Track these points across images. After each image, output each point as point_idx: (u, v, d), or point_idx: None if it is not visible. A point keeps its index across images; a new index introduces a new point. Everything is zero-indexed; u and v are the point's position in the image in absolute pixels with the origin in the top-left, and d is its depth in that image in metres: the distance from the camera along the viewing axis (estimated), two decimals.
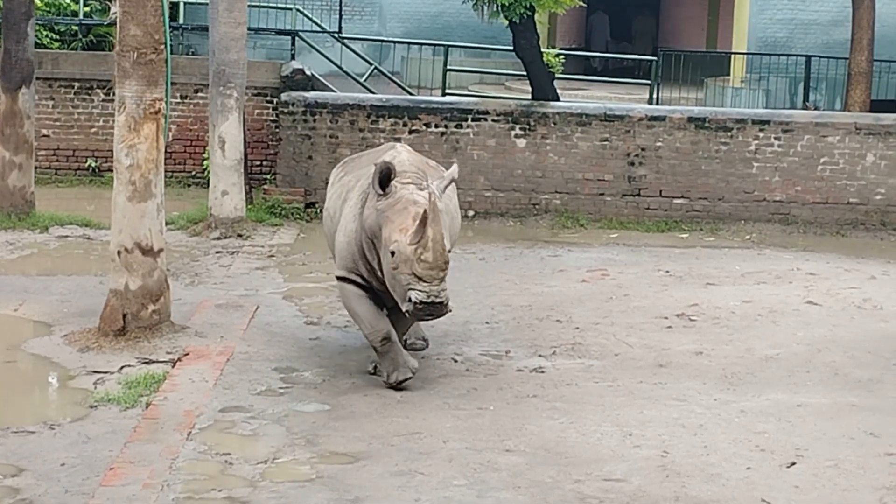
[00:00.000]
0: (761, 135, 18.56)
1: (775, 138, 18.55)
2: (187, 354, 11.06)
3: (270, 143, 19.34)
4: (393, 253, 9.88)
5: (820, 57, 25.24)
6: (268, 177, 18.97)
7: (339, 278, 10.70)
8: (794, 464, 8.92)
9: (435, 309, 9.84)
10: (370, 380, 10.61)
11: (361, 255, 10.41)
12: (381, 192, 10.05)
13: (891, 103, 23.05)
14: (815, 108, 24.18)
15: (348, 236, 10.49)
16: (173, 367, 10.74)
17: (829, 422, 9.82)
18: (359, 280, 10.51)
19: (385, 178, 10.03)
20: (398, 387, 10.25)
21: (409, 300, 9.79)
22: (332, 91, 19.48)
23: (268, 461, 8.75)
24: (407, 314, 9.96)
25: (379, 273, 10.26)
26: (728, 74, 28.10)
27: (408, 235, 9.83)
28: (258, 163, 19.27)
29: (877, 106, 21.18)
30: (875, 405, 10.30)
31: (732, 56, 28.18)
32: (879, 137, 18.56)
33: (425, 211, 9.80)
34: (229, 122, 16.73)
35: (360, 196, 10.49)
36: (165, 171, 11.99)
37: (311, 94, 18.72)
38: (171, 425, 9.31)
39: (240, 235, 16.49)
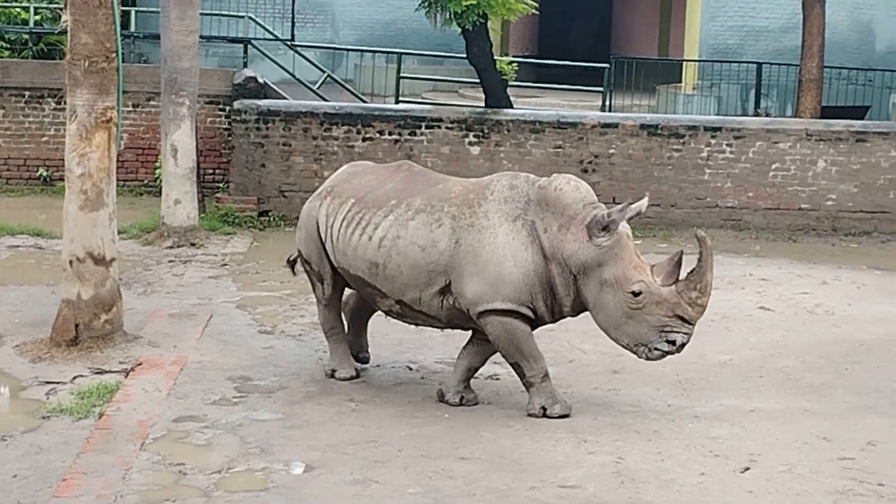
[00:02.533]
0: (713, 141, 18.65)
1: (727, 145, 18.65)
2: (140, 364, 11.01)
3: (223, 151, 19.28)
4: (636, 293, 9.58)
5: (771, 64, 25.41)
6: (221, 185, 18.91)
7: (503, 311, 9.88)
8: (747, 469, 8.96)
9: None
10: (324, 388, 10.58)
11: (547, 286, 9.84)
12: (607, 234, 9.67)
13: (841, 109, 23.21)
14: (767, 115, 24.32)
15: (523, 267, 9.79)
16: (126, 377, 10.68)
17: (782, 427, 9.87)
18: (528, 313, 9.95)
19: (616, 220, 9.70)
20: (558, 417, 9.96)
21: (672, 342, 9.61)
22: (285, 99, 19.44)
23: (222, 471, 8.71)
24: (648, 355, 9.72)
25: (565, 307, 9.92)
26: (680, 81, 28.26)
27: (662, 276, 9.64)
28: (211, 171, 19.20)
29: (827, 112, 21.33)
30: (827, 410, 10.36)
31: (684, 63, 28.35)
32: (830, 143, 18.68)
33: (681, 252, 9.76)
34: (181, 130, 16.67)
35: (513, 222, 9.89)
36: (117, 180, 11.93)
37: (263, 102, 18.68)
38: (124, 435, 9.26)
39: (193, 244, 16.42)
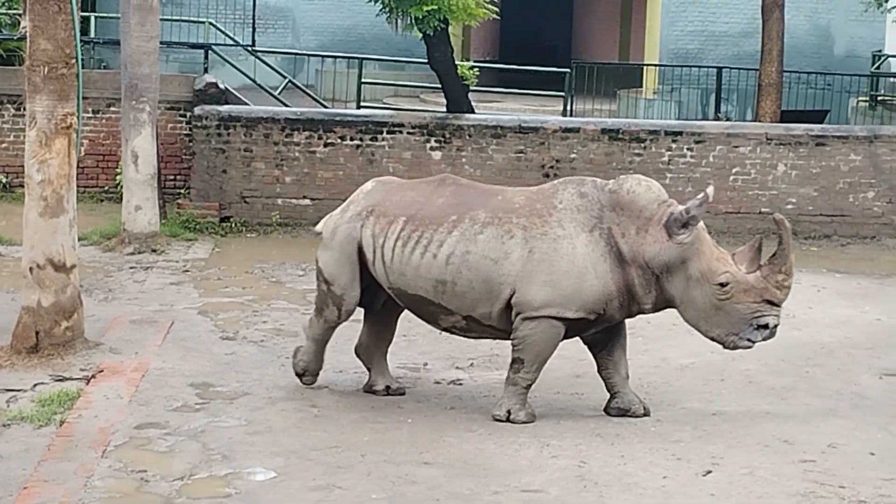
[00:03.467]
0: (674, 146, 18.72)
1: (688, 149, 18.72)
2: (101, 371, 10.96)
3: (184, 157, 19.22)
4: (724, 284, 9.71)
5: (731, 68, 25.52)
6: (182, 191, 18.84)
7: (564, 319, 9.91)
8: (709, 472, 8.99)
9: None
10: (287, 394, 10.56)
11: (624, 290, 9.85)
12: (687, 230, 9.76)
13: (800, 113, 23.33)
14: (727, 119, 24.44)
15: (603, 278, 9.78)
16: (87, 384, 10.64)
17: (744, 430, 9.91)
18: (593, 318, 9.99)
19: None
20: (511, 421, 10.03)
21: (766, 326, 9.81)
22: (246, 105, 19.39)
23: (184, 478, 8.68)
24: (739, 344, 9.92)
25: (645, 305, 9.96)
26: (641, 86, 28.35)
27: (746, 264, 9.82)
28: (172, 177, 19.13)
29: (787, 116, 21.42)
30: (789, 412, 10.42)
31: (645, 68, 28.44)
32: (790, 147, 18.77)
33: (761, 238, 10.00)
34: (142, 136, 16.61)
35: (590, 233, 9.87)
36: (78, 187, 11.89)
37: (224, 108, 18.63)
38: (85, 443, 9.22)
39: (154, 250, 16.36)
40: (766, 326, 9.83)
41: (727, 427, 9.96)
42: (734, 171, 18.62)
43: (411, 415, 10.13)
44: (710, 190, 9.93)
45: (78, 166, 11.82)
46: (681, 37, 29.13)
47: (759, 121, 20.66)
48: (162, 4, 17.04)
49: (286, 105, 20.54)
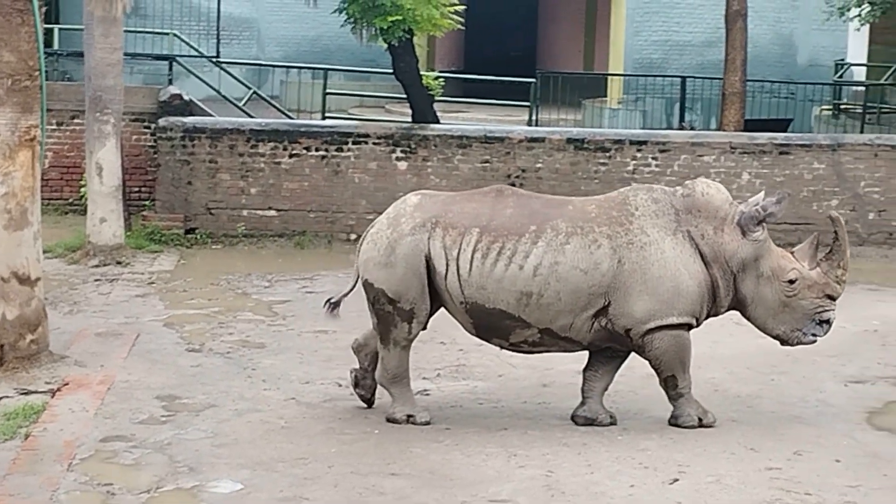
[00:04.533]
0: (639, 155, 18.77)
1: (653, 158, 18.77)
2: (67, 384, 10.92)
3: (149, 168, 19.16)
4: (792, 280, 10.04)
5: (695, 77, 25.61)
6: (147, 203, 18.77)
7: (676, 326, 10.03)
8: (676, 480, 9.01)
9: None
10: (253, 406, 10.54)
11: (710, 292, 10.07)
12: (761, 228, 10.05)
13: (764, 122, 23.44)
14: (691, 128, 24.53)
15: (696, 278, 9.97)
16: (52, 397, 10.59)
17: (710, 438, 9.94)
18: (695, 324, 10.16)
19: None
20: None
21: (827, 321, 10.18)
22: (211, 116, 19.35)
23: (151, 490, 8.65)
24: (802, 339, 10.24)
25: (721, 308, 10.20)
26: (605, 95, 28.43)
27: (807, 260, 10.15)
28: (136, 189, 19.07)
29: (751, 125, 21.52)
30: (754, 420, 10.45)
31: (609, 77, 28.53)
32: (754, 156, 18.85)
33: (818, 235, 10.35)
34: (106, 148, 16.56)
35: (674, 235, 10.00)
36: (42, 199, 11.84)
37: (189, 120, 18.59)
38: (51, 456, 9.17)
39: (119, 263, 16.31)
40: (827, 321, 10.20)
41: (693, 435, 9.99)
42: (698, 179, 18.66)
43: (378, 425, 10.12)
44: (787, 192, 10.37)
45: (42, 179, 11.77)
46: (645, 46, 29.22)
47: (724, 130, 20.75)
48: (126, 16, 16.96)
49: (251, 116, 20.50)
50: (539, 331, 10.05)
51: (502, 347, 10.41)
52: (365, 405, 10.57)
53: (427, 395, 10.99)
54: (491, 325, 10.11)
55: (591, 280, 9.88)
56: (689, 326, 10.11)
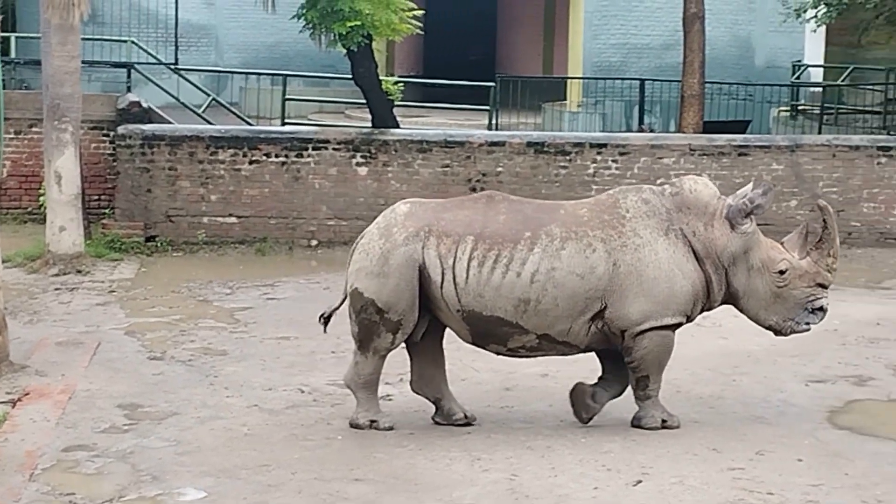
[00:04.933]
0: (599, 158, 18.82)
1: (613, 161, 18.83)
2: (28, 394, 10.86)
3: (108, 176, 19.08)
4: (783, 271, 10.13)
5: (653, 80, 25.68)
6: (106, 211, 18.70)
7: (668, 327, 10.07)
8: (640, 482, 9.04)
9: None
10: (216, 413, 10.51)
11: (705, 289, 10.13)
12: (750, 220, 10.12)
13: (723, 124, 23.53)
14: (651, 131, 24.59)
15: (690, 278, 10.02)
16: (13, 407, 10.53)
17: (673, 439, 9.96)
18: (685, 322, 10.22)
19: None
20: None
21: (821, 309, 10.25)
22: (170, 123, 19.29)
23: (113, 500, 8.62)
24: (796, 329, 10.32)
25: (715, 303, 10.28)
26: (565, 99, 28.48)
27: (797, 250, 10.22)
28: (96, 197, 18.99)
29: (710, 127, 21.61)
30: (717, 421, 10.49)
31: (568, 81, 28.56)
32: (713, 158, 18.93)
33: (807, 224, 10.37)
34: (65, 156, 16.49)
35: (666, 236, 10.01)
36: (0, 208, 11.77)
37: (148, 127, 18.53)
38: (12, 466, 9.12)
39: (79, 271, 16.24)
40: (821, 309, 10.28)
41: (656, 437, 10.02)
42: (658, 182, 18.71)
43: (341, 431, 10.11)
44: (773, 184, 10.46)
45: (0, 188, 11.70)
46: (603, 50, 29.28)
47: (683, 132, 20.83)
48: (83, 24, 16.90)
49: (210, 123, 20.44)
50: (537, 336, 10.06)
51: (499, 353, 10.39)
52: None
53: (390, 400, 10.98)
54: (488, 332, 10.09)
55: (588, 284, 9.89)
56: (677, 326, 10.18)
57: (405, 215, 10.17)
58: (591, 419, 10.33)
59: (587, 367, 11.77)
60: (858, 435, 10.26)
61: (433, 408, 10.39)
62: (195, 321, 13.89)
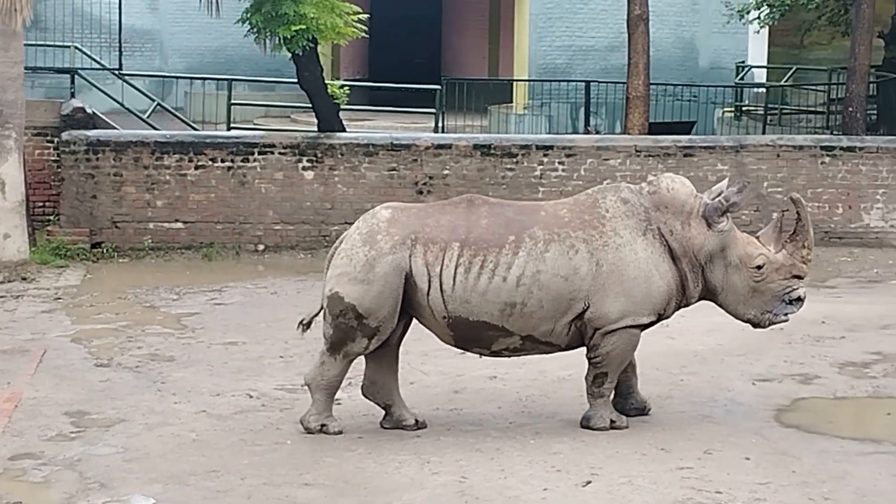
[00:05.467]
0: (545, 160, 18.87)
1: (559, 163, 18.88)
2: None
3: (52, 183, 18.94)
4: (760, 266, 10.21)
5: (599, 82, 25.76)
6: (51, 218, 18.57)
7: (639, 326, 10.15)
8: (589, 482, 9.06)
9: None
10: (164, 420, 10.46)
11: (680, 287, 10.21)
12: (725, 218, 10.20)
13: (668, 125, 23.63)
14: (597, 132, 24.65)
15: (666, 278, 10.10)
16: None
17: (622, 439, 10.00)
18: (656, 321, 10.31)
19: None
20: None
21: (796, 299, 10.31)
22: (115, 129, 19.19)
23: None
24: (774, 320, 10.42)
25: (692, 299, 10.34)
26: (511, 101, 28.52)
27: (772, 244, 10.32)
28: (41, 204, 18.85)
29: (655, 128, 21.69)
30: (665, 421, 10.53)
31: (514, 83, 28.61)
32: (659, 159, 19.02)
33: (781, 217, 10.49)
34: (9, 163, 16.38)
35: (644, 236, 10.08)
36: None
37: (92, 133, 18.42)
38: None
39: (24, 279, 16.13)
40: (798, 299, 10.37)
41: (605, 437, 10.05)
42: (605, 183, 18.76)
43: (290, 436, 10.08)
44: (748, 180, 10.67)
45: None
46: (549, 52, 29.35)
47: (628, 133, 20.89)
48: (25, 29, 16.80)
49: (155, 128, 20.35)
50: (521, 338, 10.12)
51: (482, 355, 10.46)
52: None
53: (339, 404, 10.95)
54: (474, 336, 10.12)
55: (572, 286, 9.95)
56: (648, 325, 10.28)
57: (388, 221, 10.12)
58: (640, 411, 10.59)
59: (535, 369, 11.82)
60: (805, 433, 10.32)
61: (381, 412, 10.37)
62: (142, 327, 13.83)
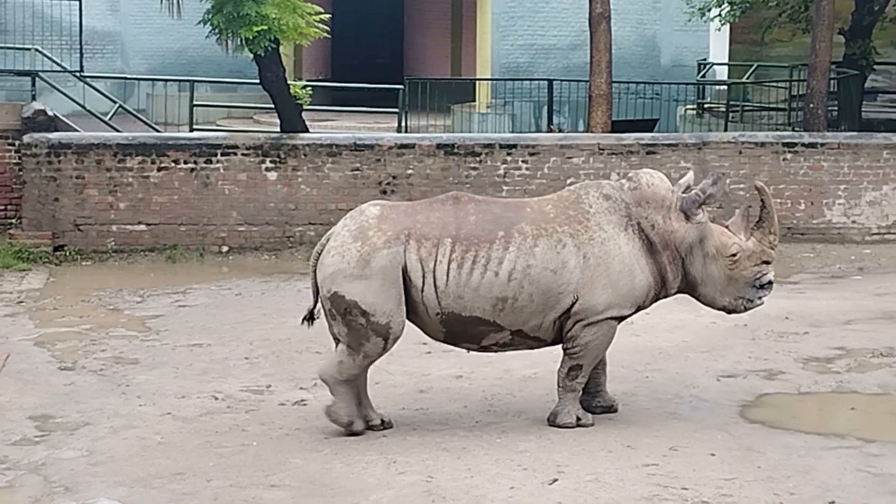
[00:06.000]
0: (509, 158, 18.88)
1: (523, 161, 18.89)
2: None
3: (14, 186, 18.83)
4: (734, 254, 10.43)
5: (561, 80, 25.81)
6: (13, 221, 18.47)
7: (619, 318, 10.32)
8: (556, 480, 9.07)
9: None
10: (129, 422, 10.43)
11: (660, 279, 10.35)
12: (702, 210, 10.38)
13: (631, 123, 23.69)
14: (560, 131, 24.71)
15: (645, 271, 10.25)
16: None
17: (588, 436, 10.02)
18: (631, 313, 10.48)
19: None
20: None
21: (766, 284, 10.55)
22: (77, 131, 19.10)
23: None
24: (748, 306, 10.67)
25: (671, 290, 10.49)
26: (474, 100, 28.56)
27: (742, 233, 10.55)
28: (2, 207, 18.75)
29: (618, 126, 21.74)
30: (631, 418, 10.56)
31: (477, 82, 28.64)
32: (622, 157, 19.06)
33: (748, 206, 10.84)
34: None
35: (625, 231, 10.21)
36: None
37: (54, 135, 18.34)
38: None
39: None
40: (770, 283, 10.65)
41: (571, 435, 10.07)
42: (569, 181, 18.80)
43: (256, 437, 10.07)
44: (721, 173, 11.10)
45: None
46: (511, 51, 29.40)
47: (591, 131, 20.92)
48: None
49: (118, 130, 20.27)
50: (511, 333, 10.19)
51: (470, 350, 10.53)
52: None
53: (304, 405, 10.95)
54: (464, 331, 10.16)
55: (561, 279, 10.04)
56: (625, 318, 10.44)
57: (378, 218, 10.12)
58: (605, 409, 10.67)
59: (501, 368, 11.83)
60: (770, 428, 10.37)
61: None
62: (106, 330, 13.77)
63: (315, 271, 10.20)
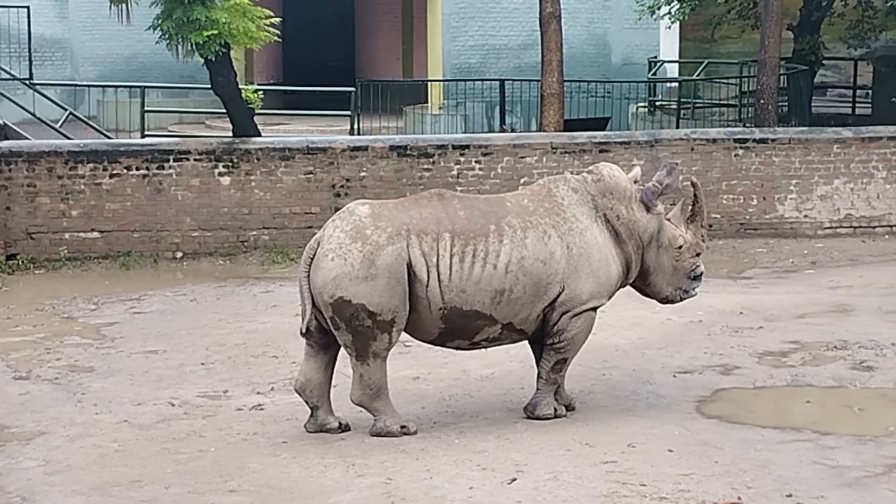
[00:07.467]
0: (462, 159, 18.89)
1: (476, 162, 18.91)
2: None
3: None
4: (680, 246, 10.73)
5: (513, 80, 25.88)
6: None
7: (597, 308, 10.45)
8: (514, 479, 9.08)
9: None
10: (85, 431, 10.38)
11: (625, 270, 10.52)
12: (658, 202, 10.63)
13: (583, 122, 23.78)
14: (512, 130, 24.76)
15: (616, 262, 10.42)
16: None
17: (547, 435, 10.04)
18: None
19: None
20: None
21: (699, 275, 10.87)
22: (27, 139, 19.00)
23: None
24: (684, 296, 10.97)
25: (629, 280, 10.68)
26: (426, 101, 28.60)
27: (682, 225, 10.84)
28: None
29: (570, 125, 21.81)
30: (589, 416, 10.59)
31: (429, 83, 28.67)
32: (575, 155, 19.10)
33: (684, 200, 10.99)
34: None
35: (595, 222, 10.35)
36: None
37: (4, 144, 18.22)
38: None
39: None
40: (702, 274, 10.97)
41: (530, 434, 10.08)
42: (522, 181, 18.86)
43: (214, 443, 10.03)
44: (675, 163, 11.54)
45: None
46: (462, 51, 29.44)
47: (544, 131, 20.98)
48: None
49: (69, 138, 20.18)
50: (502, 326, 10.22)
51: (460, 348, 10.50)
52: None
53: (262, 409, 10.92)
54: (463, 327, 10.12)
55: (550, 269, 10.15)
56: (598, 308, 10.57)
57: (371, 216, 9.98)
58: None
59: (458, 368, 11.84)
60: (726, 423, 10.41)
61: (305, 416, 10.34)
62: (61, 338, 13.70)
63: (308, 278, 9.96)
